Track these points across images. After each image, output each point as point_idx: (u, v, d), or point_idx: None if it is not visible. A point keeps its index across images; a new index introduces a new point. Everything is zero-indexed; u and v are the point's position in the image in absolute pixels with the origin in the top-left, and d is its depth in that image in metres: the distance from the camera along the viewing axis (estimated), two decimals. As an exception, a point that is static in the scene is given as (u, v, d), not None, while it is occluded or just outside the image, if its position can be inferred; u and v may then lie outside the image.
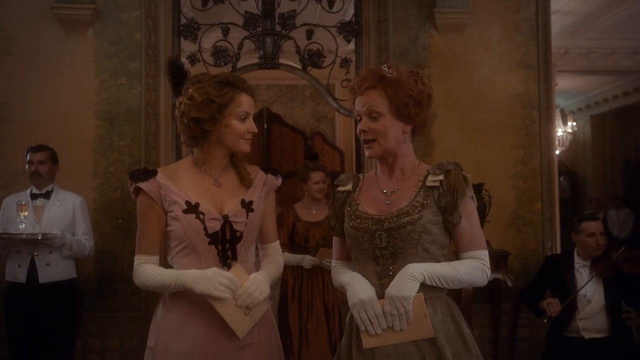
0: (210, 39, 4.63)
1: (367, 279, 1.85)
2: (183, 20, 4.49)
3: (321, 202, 4.03)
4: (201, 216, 1.90)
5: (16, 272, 3.43)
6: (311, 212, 4.03)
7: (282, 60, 4.59)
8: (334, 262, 2.04)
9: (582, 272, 3.57)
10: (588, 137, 12.44)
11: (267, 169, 2.12)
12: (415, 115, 1.84)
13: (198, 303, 1.87)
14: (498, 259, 4.04)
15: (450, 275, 1.78)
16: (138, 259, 1.96)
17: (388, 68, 1.87)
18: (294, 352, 3.95)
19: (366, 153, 1.90)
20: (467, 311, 3.82)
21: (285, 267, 3.62)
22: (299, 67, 4.55)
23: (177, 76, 2.00)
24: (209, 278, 1.82)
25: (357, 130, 1.91)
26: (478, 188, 4.08)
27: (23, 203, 3.43)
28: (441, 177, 1.83)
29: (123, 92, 4.22)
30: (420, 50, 4.38)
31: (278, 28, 4.47)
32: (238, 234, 1.94)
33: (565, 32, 7.47)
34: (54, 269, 3.43)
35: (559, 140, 10.63)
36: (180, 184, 1.95)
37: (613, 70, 8.83)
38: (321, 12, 4.57)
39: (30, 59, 4.17)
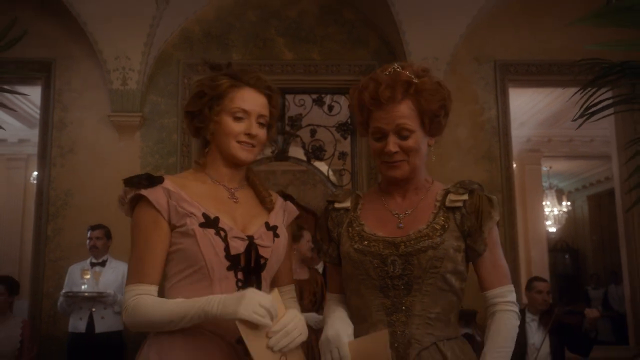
0: (232, 137, 5.67)
1: (369, 315, 1.55)
2: (211, 123, 5.54)
3: (306, 261, 4.21)
4: (222, 233, 1.51)
5: (78, 324, 4.33)
6: (297, 272, 4.06)
7: (291, 154, 5.60)
8: (327, 296, 1.74)
9: (532, 325, 4.37)
10: (586, 216, 13.16)
11: (286, 196, 1.78)
12: (444, 127, 1.62)
13: (205, 344, 1.47)
14: (468, 316, 4.85)
15: (506, 356, 1.53)
16: (133, 290, 1.49)
17: (402, 68, 1.56)
18: None
19: (389, 173, 1.58)
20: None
21: None
22: (305, 159, 5.54)
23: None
24: (247, 297, 1.38)
25: (380, 150, 1.56)
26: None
27: (85, 269, 4.39)
28: (465, 197, 1.57)
29: (162, 181, 5.22)
30: (402, 146, 5.35)
31: (287, 128, 5.51)
32: (262, 260, 1.56)
33: (546, 123, 8.41)
34: (107, 322, 4.33)
35: (554, 219, 11.45)
36: (196, 194, 1.56)
37: (594, 155, 9.68)
38: (322, 115, 5.60)
39: (89, 156, 5.21)
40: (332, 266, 1.70)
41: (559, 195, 12.06)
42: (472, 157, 5.34)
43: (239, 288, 1.50)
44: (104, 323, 4.32)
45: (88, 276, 4.35)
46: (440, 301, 1.54)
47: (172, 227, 1.53)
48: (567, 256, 13.42)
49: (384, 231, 1.58)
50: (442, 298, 1.54)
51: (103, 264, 4.52)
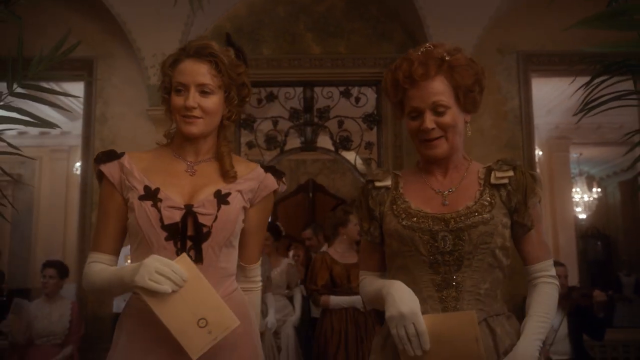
0: (263, 129, 5.93)
1: (419, 291, 1.54)
2: (243, 115, 5.81)
3: (354, 244, 4.20)
4: (159, 204, 1.53)
5: (121, 305, 4.64)
6: (345, 255, 4.18)
7: (319, 144, 5.83)
8: (362, 275, 1.71)
9: (550, 308, 4.54)
10: (618, 202, 13.11)
11: (269, 168, 1.73)
12: (479, 102, 1.63)
13: (146, 319, 1.48)
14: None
15: (548, 324, 1.58)
16: (90, 257, 1.61)
17: (434, 47, 1.59)
18: None
19: (429, 152, 1.58)
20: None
21: (331, 311, 3.98)
22: (332, 149, 5.77)
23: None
24: (144, 265, 1.40)
25: (416, 129, 1.57)
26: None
27: (127, 254, 4.69)
28: (510, 174, 1.59)
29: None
30: (427, 135, 5.53)
31: (316, 120, 5.74)
32: (205, 229, 1.53)
33: (573, 110, 8.40)
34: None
35: (585, 205, 11.47)
36: (148, 168, 1.60)
37: (624, 142, 9.63)
38: (349, 106, 5.81)
39: (128, 147, 5.39)
40: (372, 245, 1.67)
41: (590, 182, 12.05)
42: (495, 146, 5.49)
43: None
44: (146, 304, 4.63)
45: (129, 261, 4.65)
46: (489, 277, 1.54)
47: (125, 201, 1.59)
48: (598, 243, 13.39)
49: (430, 208, 1.57)
50: (490, 274, 1.55)
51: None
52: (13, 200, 3.74)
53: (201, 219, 1.54)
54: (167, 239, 1.52)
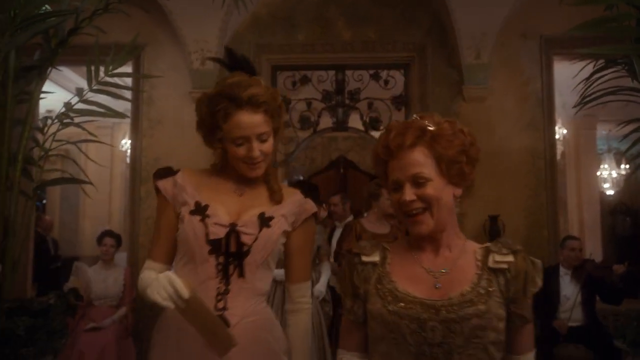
0: (297, 110, 6.31)
1: None
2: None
3: (386, 218, 4.39)
4: (207, 220, 1.63)
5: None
6: (376, 225, 4.40)
7: (350, 124, 6.19)
8: (339, 354, 1.57)
9: (565, 278, 4.87)
10: (647, 178, 13.18)
11: (309, 194, 1.81)
12: (469, 174, 1.47)
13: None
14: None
15: None
16: (145, 264, 1.73)
17: (421, 118, 1.47)
18: None
19: (414, 230, 1.46)
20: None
21: None
22: (362, 129, 6.13)
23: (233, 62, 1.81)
24: (157, 280, 1.49)
25: (393, 204, 1.50)
26: (495, 218, 5.50)
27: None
28: (510, 258, 1.44)
29: (237, 149, 5.94)
30: (452, 116, 5.80)
31: (347, 101, 6.09)
32: (245, 248, 1.62)
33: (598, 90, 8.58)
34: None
35: (612, 181, 11.63)
36: (201, 186, 1.71)
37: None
38: (379, 89, 6.14)
39: (173, 127, 5.94)
40: (354, 324, 1.53)
41: (618, 158, 12.15)
42: (518, 127, 5.79)
43: (218, 272, 1.62)
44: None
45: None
46: None
47: (177, 214, 1.69)
48: (627, 218, 13.47)
49: (419, 291, 1.44)
50: None
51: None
52: (62, 174, 4.13)
53: (243, 238, 1.63)
54: (209, 252, 1.62)
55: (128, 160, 7.90)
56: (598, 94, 2.69)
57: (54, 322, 2.58)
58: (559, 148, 7.76)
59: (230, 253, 1.62)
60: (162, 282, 1.46)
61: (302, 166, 9.62)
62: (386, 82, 6.05)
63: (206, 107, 1.69)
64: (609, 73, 2.70)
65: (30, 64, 2.71)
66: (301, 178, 8.78)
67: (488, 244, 1.50)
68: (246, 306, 1.65)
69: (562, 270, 4.90)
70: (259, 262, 1.65)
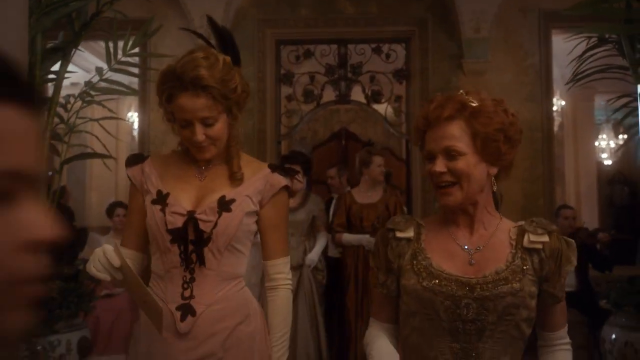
0: (301, 83, 6.45)
1: (434, 357, 1.45)
2: (282, 71, 6.34)
3: (378, 185, 4.42)
4: (166, 209, 1.63)
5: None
6: (367, 195, 4.40)
7: (352, 97, 6.33)
8: (371, 321, 1.61)
9: (558, 246, 5.10)
10: (646, 149, 13.33)
11: (277, 167, 1.77)
12: (505, 154, 1.45)
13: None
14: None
15: None
16: None
17: (466, 94, 1.47)
18: (352, 330, 4.25)
19: (441, 201, 1.47)
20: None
21: (345, 248, 4.35)
22: (365, 102, 6.28)
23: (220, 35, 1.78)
24: (93, 254, 1.49)
25: (428, 173, 1.48)
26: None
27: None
28: (545, 239, 1.45)
29: (242, 123, 6.09)
30: (452, 89, 5.98)
31: (349, 75, 6.23)
32: (205, 235, 1.61)
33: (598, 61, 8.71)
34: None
35: (611, 152, 11.80)
36: (165, 173, 1.69)
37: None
38: (380, 62, 6.27)
39: None
40: (385, 297, 1.56)
41: (617, 128, 12.28)
42: (516, 99, 5.92)
43: (182, 260, 1.61)
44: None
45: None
46: (509, 349, 1.45)
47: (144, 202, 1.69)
48: (625, 188, 13.65)
49: (454, 267, 1.46)
50: (511, 346, 1.45)
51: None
52: (68, 146, 4.26)
53: (202, 226, 1.61)
54: (171, 242, 1.62)
55: (134, 132, 8.08)
56: (590, 71, 2.85)
57: (82, 286, 2.80)
58: (557, 119, 7.93)
59: (190, 241, 1.61)
60: (97, 255, 1.46)
61: (302, 139, 9.76)
62: (387, 55, 6.18)
63: (158, 84, 1.66)
64: (601, 51, 2.85)
65: (55, 46, 2.88)
66: (302, 151, 8.94)
67: (522, 223, 1.50)
68: (213, 293, 1.64)
69: (556, 239, 5.11)
70: (221, 248, 1.63)
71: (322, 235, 4.56)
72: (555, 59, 6.08)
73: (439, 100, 1.47)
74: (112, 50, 3.22)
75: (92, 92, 3.20)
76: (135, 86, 6.06)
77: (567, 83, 2.90)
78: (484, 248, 1.47)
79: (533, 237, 1.45)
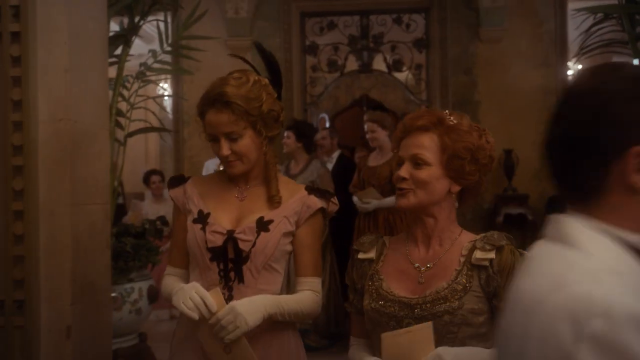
0: (325, 54, 6.75)
1: None
2: (307, 42, 6.64)
3: (385, 147, 4.29)
4: (206, 227, 1.69)
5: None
6: (376, 158, 4.42)
7: (374, 67, 6.63)
8: (352, 341, 1.68)
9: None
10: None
11: (313, 190, 1.79)
12: (469, 174, 1.48)
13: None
14: (521, 199, 5.93)
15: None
16: (166, 269, 1.80)
17: (449, 115, 1.51)
18: None
19: (397, 202, 1.53)
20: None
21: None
22: (386, 71, 6.57)
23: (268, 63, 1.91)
24: (184, 290, 1.59)
25: (394, 177, 1.54)
26: (509, 152, 6.00)
27: (219, 163, 5.73)
28: (491, 255, 1.45)
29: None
30: (470, 57, 6.28)
31: (371, 45, 6.52)
32: (244, 254, 1.66)
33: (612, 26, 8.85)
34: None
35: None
36: (207, 194, 1.75)
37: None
38: (401, 32, 6.54)
39: (211, 73, 6.18)
40: (355, 315, 1.63)
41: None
42: (531, 65, 6.20)
43: (221, 278, 1.67)
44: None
45: (222, 169, 5.68)
46: None
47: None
48: None
49: (403, 287, 1.50)
50: None
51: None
52: (130, 121, 4.65)
53: (241, 245, 1.66)
54: (211, 260, 1.67)
55: (164, 104, 8.46)
56: (597, 44, 3.14)
57: (149, 242, 3.23)
58: (573, 83, 8.11)
59: (230, 259, 1.67)
60: (188, 292, 1.55)
61: (325, 107, 10.04)
62: (407, 25, 6.45)
63: (198, 103, 1.73)
64: (607, 26, 3.14)
65: (118, 33, 3.24)
66: (325, 116, 9.24)
67: (477, 238, 1.51)
68: None
69: (569, 198, 5.41)
70: (259, 267, 1.67)
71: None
72: (573, 23, 6.28)
73: (420, 112, 1.56)
74: (164, 33, 3.55)
75: (148, 73, 3.55)
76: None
77: (574, 57, 3.16)
78: (434, 266, 1.49)
79: (480, 254, 1.46)
